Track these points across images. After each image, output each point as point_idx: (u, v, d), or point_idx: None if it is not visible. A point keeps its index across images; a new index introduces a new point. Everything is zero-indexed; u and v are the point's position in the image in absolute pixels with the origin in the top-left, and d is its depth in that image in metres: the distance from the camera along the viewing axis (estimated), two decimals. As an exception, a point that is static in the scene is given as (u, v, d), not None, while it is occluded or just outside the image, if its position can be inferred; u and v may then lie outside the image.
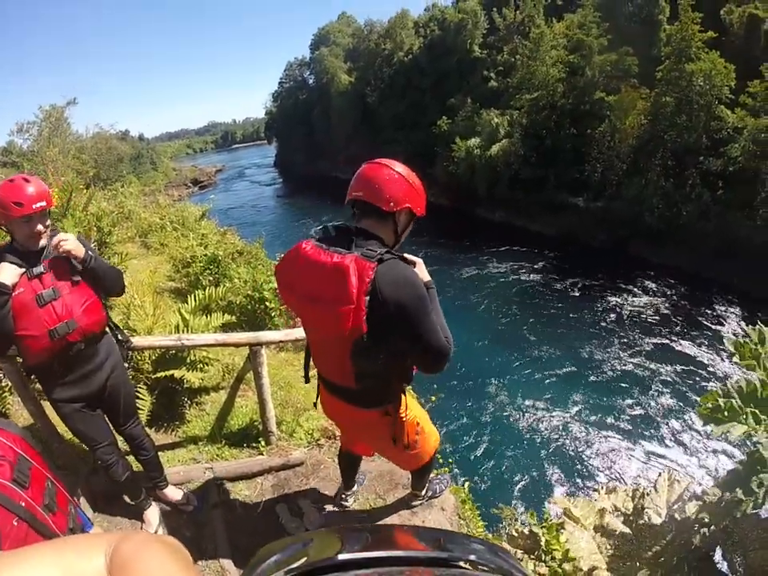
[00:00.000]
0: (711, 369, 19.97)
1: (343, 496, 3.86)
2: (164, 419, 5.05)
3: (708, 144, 31.64)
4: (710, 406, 2.33)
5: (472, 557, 1.03)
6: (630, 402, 18.00)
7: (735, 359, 2.56)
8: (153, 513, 3.61)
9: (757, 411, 2.14)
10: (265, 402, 4.36)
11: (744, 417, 2.18)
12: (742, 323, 22.93)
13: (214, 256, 8.17)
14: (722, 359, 20.12)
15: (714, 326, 23.44)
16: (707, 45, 32.24)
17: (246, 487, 4.24)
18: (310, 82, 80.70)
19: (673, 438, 15.95)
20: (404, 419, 2.48)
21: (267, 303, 7.13)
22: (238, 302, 7.32)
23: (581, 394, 18.03)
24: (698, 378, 19.25)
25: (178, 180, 71.75)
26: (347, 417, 2.55)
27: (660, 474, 3.11)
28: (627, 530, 2.67)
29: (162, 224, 12.49)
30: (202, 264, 8.25)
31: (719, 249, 27.93)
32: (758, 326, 2.52)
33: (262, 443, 4.61)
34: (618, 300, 26.47)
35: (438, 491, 3.94)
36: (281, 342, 4.31)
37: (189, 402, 5.27)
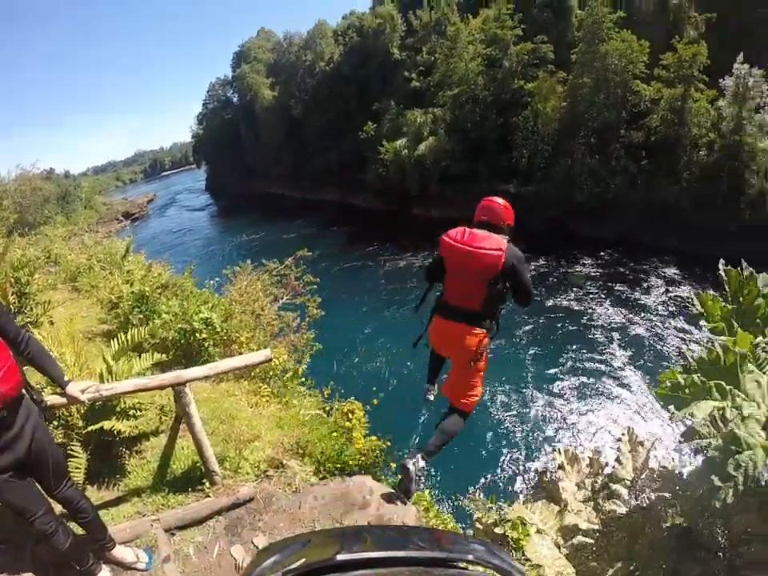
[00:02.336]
0: (653, 326, 21.43)
1: (428, 393, 4.38)
2: (103, 474, 4.62)
3: (628, 118, 33.44)
4: (669, 384, 2.16)
5: (470, 557, 1.03)
6: (580, 366, 18.92)
7: (703, 323, 2.47)
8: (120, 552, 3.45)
9: (722, 383, 2.01)
10: (200, 442, 4.09)
11: (708, 391, 2.03)
12: (679, 277, 24.86)
13: (141, 293, 7.74)
14: (667, 315, 21.51)
15: (654, 285, 25.12)
16: (619, 25, 34.08)
17: (199, 533, 3.96)
18: (234, 100, 79.76)
19: (628, 397, 16.63)
20: (484, 348, 3.59)
21: (198, 334, 6.79)
22: (170, 338, 6.94)
23: (530, 369, 18.87)
24: (642, 335, 20.77)
25: (109, 215, 69.08)
26: (456, 332, 3.64)
27: (621, 437, 3.06)
28: (593, 526, 2.59)
29: (90, 264, 11.85)
30: (129, 303, 7.79)
31: (650, 214, 29.51)
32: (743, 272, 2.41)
33: (207, 484, 4.31)
34: (560, 276, 27.58)
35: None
36: (206, 377, 4.06)
37: (127, 452, 4.88)
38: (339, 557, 0.95)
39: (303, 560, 0.98)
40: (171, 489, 4.36)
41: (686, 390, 1.99)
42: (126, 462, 4.75)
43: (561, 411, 16.31)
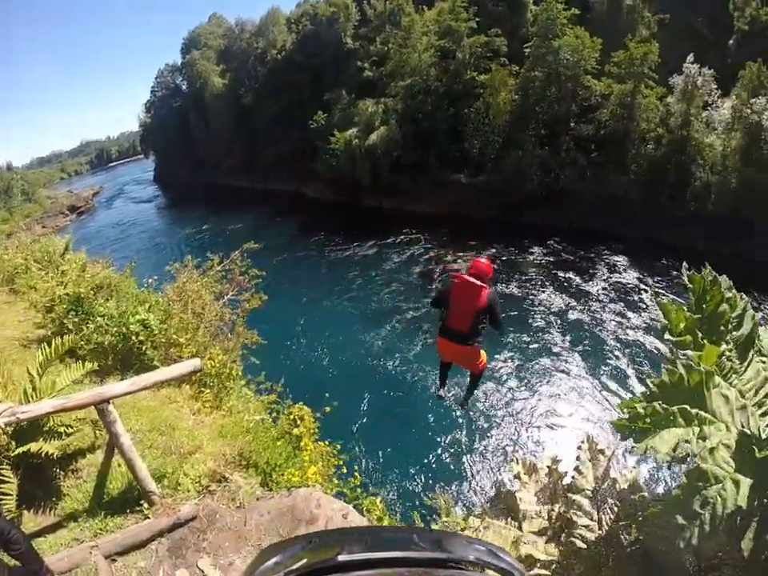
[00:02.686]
0: (603, 311, 22.22)
1: (440, 393, 6.66)
2: (38, 498, 4.26)
3: (578, 112, 34.38)
4: (627, 413, 1.98)
5: (471, 557, 1.03)
6: (535, 360, 19.28)
7: (667, 336, 2.31)
8: None
9: (686, 407, 1.85)
10: (131, 462, 3.83)
11: (671, 418, 1.88)
12: (627, 264, 25.88)
13: (76, 294, 7.23)
14: (610, 301, 22.31)
15: (602, 271, 26.36)
16: (573, 21, 34.96)
17: (141, 557, 3.71)
18: (183, 87, 76.74)
19: (581, 388, 17.03)
20: (479, 352, 5.46)
21: (134, 338, 6.39)
22: (107, 342, 6.51)
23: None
24: (589, 322, 21.23)
25: (54, 209, 65.60)
26: (458, 350, 5.42)
27: (581, 445, 2.96)
28: (552, 557, 2.48)
29: (26, 264, 11.08)
30: (64, 306, 7.28)
31: (600, 205, 30.46)
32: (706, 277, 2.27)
33: (145, 505, 4.04)
34: (517, 264, 28.25)
35: None
36: (128, 393, 3.70)
37: (62, 472, 4.52)
38: (341, 557, 0.95)
39: (305, 560, 0.98)
40: (109, 511, 4.07)
41: (647, 420, 1.83)
42: (61, 483, 4.41)
43: (516, 412, 16.42)
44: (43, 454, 4.04)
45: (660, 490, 10.22)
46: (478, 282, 5.09)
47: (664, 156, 30.34)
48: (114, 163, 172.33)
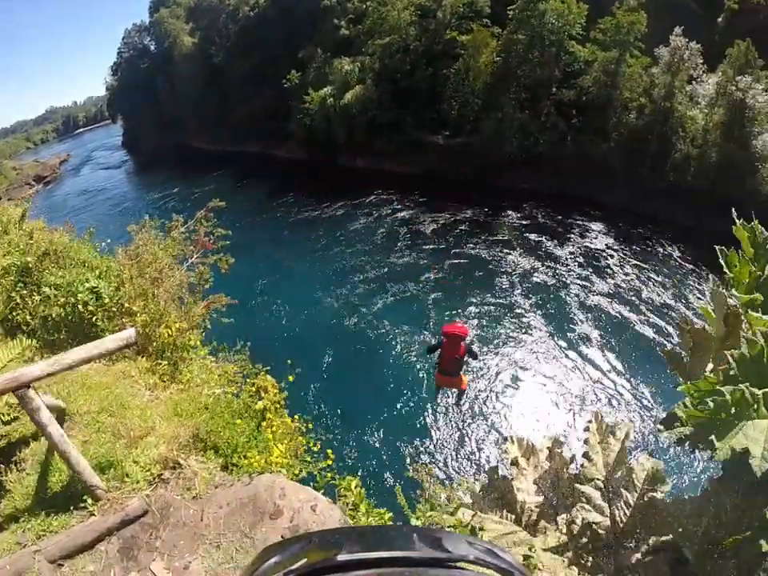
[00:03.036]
0: (579, 274, 22.06)
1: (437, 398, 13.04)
2: None
3: (560, 77, 33.73)
4: (703, 400, 1.47)
5: (471, 557, 0.99)
6: (522, 324, 19.12)
7: (734, 292, 1.83)
8: None
9: None
10: (66, 455, 3.35)
11: (755, 405, 1.40)
12: (605, 231, 25.92)
13: (23, 264, 6.56)
14: (592, 266, 22.27)
15: (582, 237, 26.25)
16: None
17: (90, 560, 3.30)
18: (152, 48, 73.01)
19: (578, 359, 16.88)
20: (463, 379, 9.20)
21: (83, 308, 5.79)
22: (54, 315, 5.90)
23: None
24: (560, 284, 21.40)
25: (19, 180, 63.02)
26: (449, 380, 9.08)
27: (589, 426, 2.56)
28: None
29: None
30: (12, 278, 6.63)
31: (580, 171, 30.10)
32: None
33: (89, 501, 3.56)
34: (490, 226, 28.05)
35: None
36: (51, 374, 3.13)
37: (3, 464, 4.02)
38: (340, 557, 0.91)
39: (304, 560, 0.94)
40: (51, 509, 3.64)
41: (731, 409, 1.36)
42: (3, 476, 3.95)
43: (491, 381, 16.17)
44: None
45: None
46: (459, 339, 8.25)
47: (646, 126, 30.05)
48: (82, 129, 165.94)
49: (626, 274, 22.36)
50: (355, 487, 3.87)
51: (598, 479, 2.22)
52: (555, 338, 17.90)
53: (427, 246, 25.98)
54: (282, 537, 3.00)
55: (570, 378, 15.94)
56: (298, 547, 1.04)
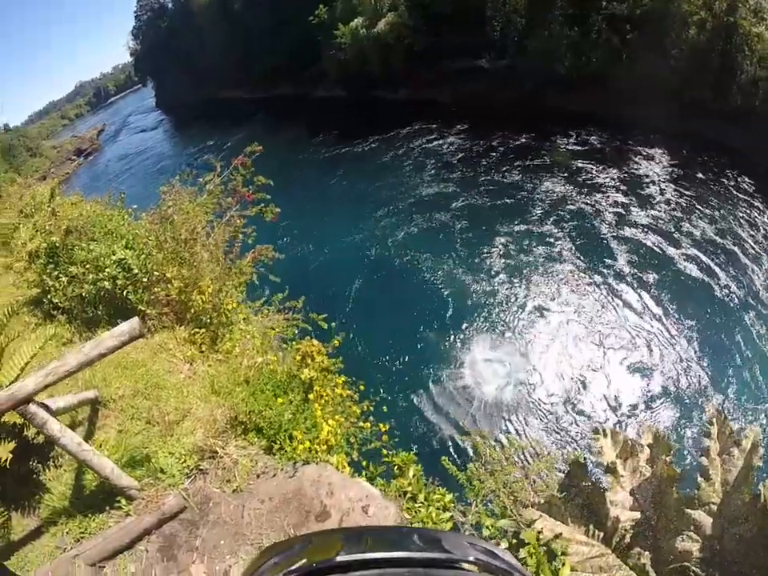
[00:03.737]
0: (630, 203, 20.14)
1: None
2: (22, 496, 3.66)
3: (610, -12, 29.92)
4: None
5: (471, 558, 1.02)
6: (554, 254, 17.61)
7: None
8: None
9: None
10: (89, 464, 3.07)
11: None
12: (666, 158, 23.46)
13: (51, 244, 6.27)
14: (643, 196, 20.35)
15: (642, 166, 23.47)
16: None
17: (131, 560, 3.14)
18: (169, 5, 70.87)
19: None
20: None
21: (109, 284, 5.43)
22: (84, 294, 5.60)
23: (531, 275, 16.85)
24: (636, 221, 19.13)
25: (61, 157, 63.61)
26: None
27: (708, 427, 1.93)
28: None
29: (15, 222, 10.20)
30: (42, 260, 6.38)
31: (635, 91, 27.16)
32: None
33: (123, 501, 3.28)
34: (534, 152, 26.01)
35: None
36: (47, 385, 2.66)
37: (40, 464, 3.82)
38: (339, 557, 0.94)
39: (304, 561, 0.95)
40: (89, 509, 3.43)
41: None
42: (43, 475, 3.77)
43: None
44: None
45: None
46: None
47: (707, 43, 26.22)
48: (114, 98, 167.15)
49: (683, 206, 19.90)
50: (413, 476, 3.38)
51: (713, 503, 1.61)
52: (589, 272, 16.42)
53: (478, 175, 24.31)
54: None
55: (602, 315, 14.57)
56: (299, 548, 1.04)
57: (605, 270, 16.42)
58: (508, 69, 32.16)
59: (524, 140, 27.40)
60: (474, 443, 4.94)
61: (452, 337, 14.18)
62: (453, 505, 3.44)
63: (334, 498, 2.84)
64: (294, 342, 5.49)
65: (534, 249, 17.90)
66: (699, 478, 1.79)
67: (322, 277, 18.04)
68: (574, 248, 17.72)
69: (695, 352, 13.22)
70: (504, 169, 24.50)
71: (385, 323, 14.91)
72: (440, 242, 19.03)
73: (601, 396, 12.17)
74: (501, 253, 17.69)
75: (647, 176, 22.45)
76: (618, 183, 21.88)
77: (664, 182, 21.85)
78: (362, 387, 5.09)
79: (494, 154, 26.41)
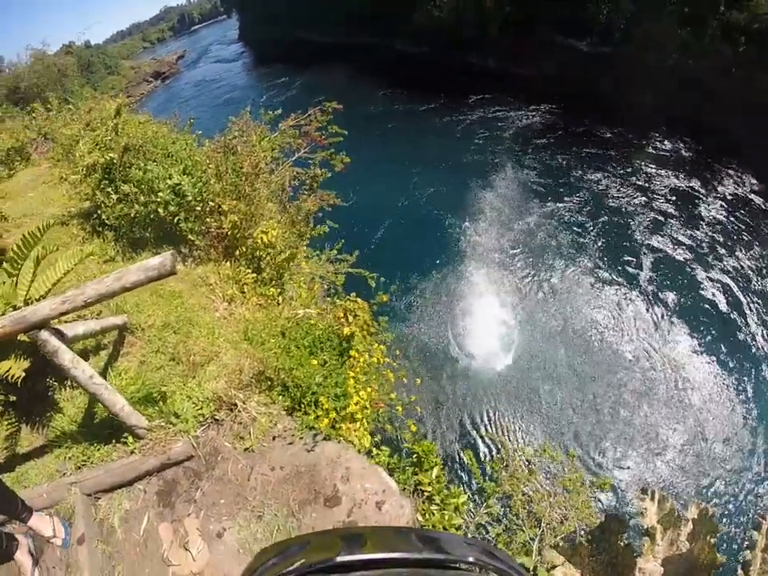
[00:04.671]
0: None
1: None
2: (35, 413, 3.65)
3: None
4: None
5: (470, 558, 1.01)
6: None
7: None
8: (23, 557, 2.79)
9: None
10: (99, 396, 2.90)
11: None
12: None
13: (108, 160, 6.15)
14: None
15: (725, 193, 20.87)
16: None
17: (127, 498, 3.09)
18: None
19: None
20: None
21: (161, 209, 5.28)
22: (134, 214, 5.47)
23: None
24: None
25: (137, 78, 64.75)
26: None
27: (757, 533, 1.58)
28: None
29: (78, 135, 10.32)
30: (97, 175, 6.29)
31: (743, 106, 24.74)
32: None
33: (130, 439, 3.16)
34: (625, 152, 24.12)
35: None
36: (63, 313, 2.47)
37: (56, 382, 3.77)
38: (339, 558, 0.93)
39: (302, 561, 0.95)
40: (95, 438, 3.37)
41: None
42: (58, 395, 3.73)
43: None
44: (9, 377, 3.14)
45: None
46: None
47: None
48: (197, 26, 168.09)
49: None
50: (436, 477, 3.10)
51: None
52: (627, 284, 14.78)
53: (556, 156, 23.11)
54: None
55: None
56: (297, 548, 1.04)
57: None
58: (608, 57, 30.06)
59: (608, 134, 25.64)
60: (503, 443, 4.66)
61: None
62: (465, 507, 3.20)
63: (349, 485, 2.60)
64: (337, 299, 5.31)
65: (578, 241, 16.76)
66: (739, 571, 1.48)
67: (374, 233, 17.69)
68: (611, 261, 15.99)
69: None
70: (573, 156, 23.07)
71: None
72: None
73: (651, 445, 10.63)
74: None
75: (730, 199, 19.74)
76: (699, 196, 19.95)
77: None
78: (398, 352, 4.87)
79: (570, 139, 24.92)
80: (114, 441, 3.22)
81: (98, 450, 3.24)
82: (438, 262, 15.93)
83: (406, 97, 32.74)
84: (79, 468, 3.19)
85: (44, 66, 37.05)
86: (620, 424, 10.88)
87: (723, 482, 9.71)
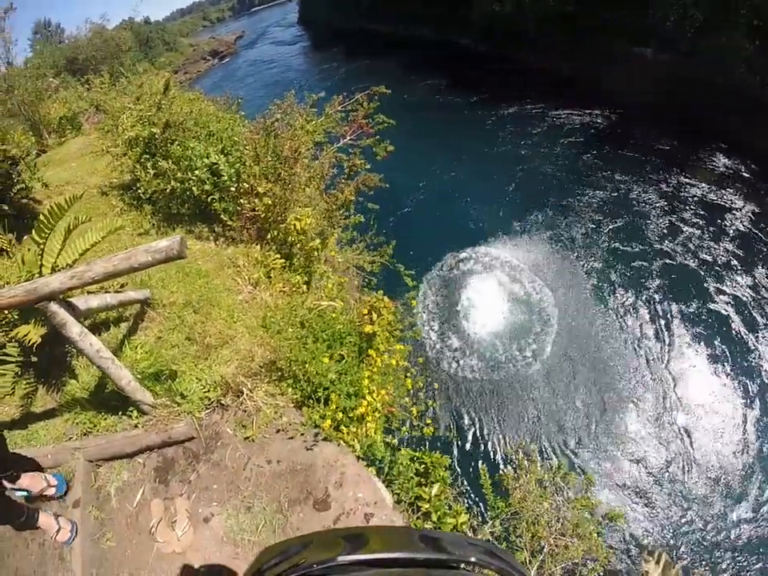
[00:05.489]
0: None
1: None
2: (52, 375, 3.78)
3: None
4: None
5: (472, 558, 1.02)
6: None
7: None
8: (47, 519, 2.81)
9: None
10: (105, 370, 2.92)
11: None
12: None
13: (150, 134, 6.25)
14: None
15: None
16: None
17: (126, 469, 3.17)
18: None
19: None
20: None
21: (196, 188, 5.31)
22: (169, 190, 5.53)
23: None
24: None
25: (195, 56, 65.93)
26: None
27: None
28: None
29: (125, 108, 10.61)
30: (138, 149, 6.39)
31: None
32: None
33: (135, 413, 3.19)
34: (688, 169, 22.74)
35: None
36: (71, 288, 2.46)
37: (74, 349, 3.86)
38: (340, 558, 0.93)
39: (304, 561, 0.95)
40: (103, 408, 3.45)
41: None
42: (75, 361, 3.87)
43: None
44: (27, 342, 3.22)
45: None
46: None
47: None
48: (257, 8, 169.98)
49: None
50: (436, 494, 3.02)
51: None
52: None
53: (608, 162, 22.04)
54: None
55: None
56: (299, 548, 1.03)
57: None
58: (669, 67, 28.87)
59: (666, 147, 24.43)
60: (519, 459, 4.55)
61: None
62: (465, 527, 3.11)
63: (341, 492, 2.55)
64: (367, 291, 5.26)
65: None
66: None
67: (411, 225, 17.32)
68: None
69: None
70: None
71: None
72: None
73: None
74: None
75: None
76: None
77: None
78: (420, 360, 4.76)
79: (623, 151, 23.82)
80: (120, 413, 3.27)
81: (105, 419, 3.32)
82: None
83: (468, 94, 32.19)
84: (85, 434, 3.28)
85: (102, 40, 38.05)
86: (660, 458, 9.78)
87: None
